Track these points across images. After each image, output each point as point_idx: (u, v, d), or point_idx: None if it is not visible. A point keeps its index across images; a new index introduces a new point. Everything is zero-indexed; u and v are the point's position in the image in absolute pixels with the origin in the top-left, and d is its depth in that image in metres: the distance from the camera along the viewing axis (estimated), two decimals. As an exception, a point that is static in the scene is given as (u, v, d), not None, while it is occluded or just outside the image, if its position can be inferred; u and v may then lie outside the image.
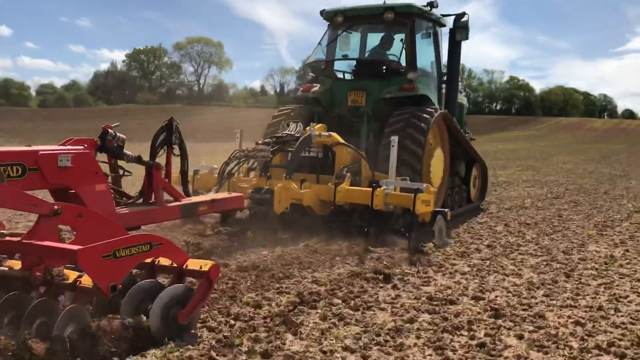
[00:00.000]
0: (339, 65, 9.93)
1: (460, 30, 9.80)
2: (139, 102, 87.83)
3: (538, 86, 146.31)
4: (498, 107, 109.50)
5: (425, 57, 9.61)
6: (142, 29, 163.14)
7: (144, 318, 3.51)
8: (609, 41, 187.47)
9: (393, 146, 7.47)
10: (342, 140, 7.92)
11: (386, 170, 7.54)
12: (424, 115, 8.41)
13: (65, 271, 3.76)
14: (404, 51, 9.10)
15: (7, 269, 3.77)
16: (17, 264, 3.79)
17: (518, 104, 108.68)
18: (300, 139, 7.72)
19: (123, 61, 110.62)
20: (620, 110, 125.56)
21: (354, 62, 9.86)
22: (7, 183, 3.62)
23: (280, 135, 8.09)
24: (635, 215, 10.27)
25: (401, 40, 9.32)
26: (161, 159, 5.50)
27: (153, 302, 3.56)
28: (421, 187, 7.10)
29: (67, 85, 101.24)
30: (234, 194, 6.34)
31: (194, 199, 5.78)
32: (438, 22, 9.80)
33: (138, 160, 5.11)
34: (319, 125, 8.08)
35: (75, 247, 3.24)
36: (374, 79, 9.32)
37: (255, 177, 7.92)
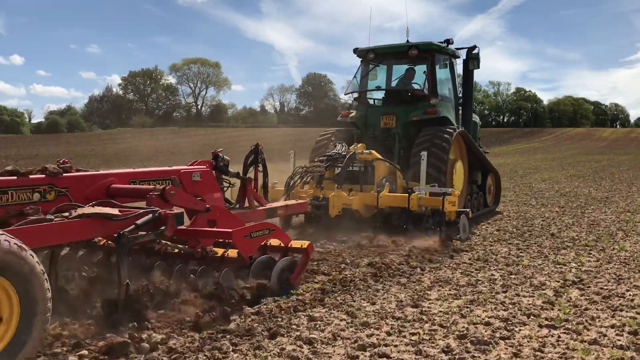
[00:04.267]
0: (370, 94, 11.92)
1: (472, 60, 11.73)
2: (134, 126, 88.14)
3: (548, 98, 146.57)
4: (505, 120, 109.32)
5: (443, 84, 11.43)
6: (152, 54, 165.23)
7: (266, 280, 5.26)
8: (620, 51, 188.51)
9: (423, 160, 9.32)
10: (380, 157, 9.65)
11: (416, 180, 9.45)
12: (445, 135, 10.14)
13: (214, 248, 5.44)
14: (426, 81, 10.98)
15: (174, 249, 5.34)
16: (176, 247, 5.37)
17: (525, 115, 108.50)
18: (347, 156, 9.38)
19: (119, 84, 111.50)
20: (632, 119, 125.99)
21: (384, 91, 11.90)
22: None
23: (330, 154, 9.78)
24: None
25: (424, 72, 11.14)
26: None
27: (272, 270, 5.34)
28: (448, 191, 8.80)
29: (62, 110, 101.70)
30: (300, 201, 7.95)
31: (273, 204, 7.34)
32: (453, 55, 11.73)
33: (237, 175, 6.67)
34: (360, 144, 9.82)
35: (230, 230, 5.10)
36: (401, 105, 11.17)
37: (310, 188, 9.45)
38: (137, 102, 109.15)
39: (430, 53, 11.01)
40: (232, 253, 5.33)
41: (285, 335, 4.32)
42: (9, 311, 3.42)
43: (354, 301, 5.30)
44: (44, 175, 4.69)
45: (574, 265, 7.00)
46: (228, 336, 4.23)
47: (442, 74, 11.42)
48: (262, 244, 5.55)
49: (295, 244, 5.73)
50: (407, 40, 11.69)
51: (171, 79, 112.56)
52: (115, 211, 4.54)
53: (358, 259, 7.20)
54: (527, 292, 5.72)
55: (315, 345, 4.13)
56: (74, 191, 4.84)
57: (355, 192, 9.25)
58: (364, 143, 10.08)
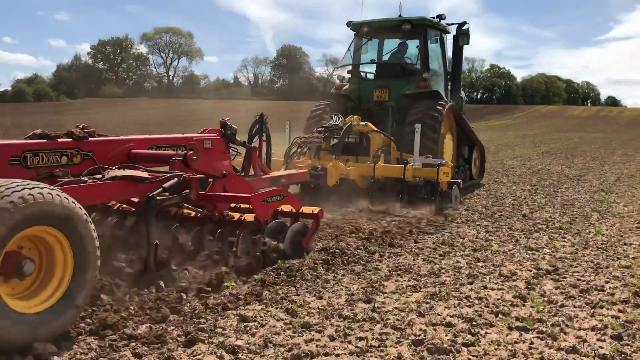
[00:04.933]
0: (364, 67, 12.12)
1: (462, 36, 12.06)
2: (104, 96, 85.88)
3: (522, 75, 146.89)
4: (479, 96, 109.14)
5: (435, 59, 11.61)
6: (123, 23, 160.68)
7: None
8: (593, 30, 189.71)
9: (417, 132, 9.45)
10: (375, 128, 9.93)
11: (409, 151, 9.63)
12: (437, 107, 10.42)
13: (230, 212, 5.60)
14: (419, 55, 11.28)
15: (192, 214, 5.56)
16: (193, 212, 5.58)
17: (499, 92, 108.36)
18: (344, 128, 9.66)
19: (88, 53, 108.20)
20: (603, 98, 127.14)
21: (376, 64, 12.11)
22: None
23: (327, 125, 10.05)
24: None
25: (417, 46, 11.45)
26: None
27: (285, 234, 5.63)
28: (442, 162, 9.07)
29: (29, 79, 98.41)
30: (300, 171, 8.05)
31: (276, 173, 7.37)
32: (444, 30, 12.00)
33: (243, 144, 6.63)
34: (356, 116, 10.01)
35: (249, 195, 5.38)
36: (394, 79, 11.41)
37: (307, 158, 9.64)
38: (107, 72, 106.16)
39: (422, 28, 11.27)
40: (249, 217, 5.58)
41: (206, 342, 3.56)
42: (64, 262, 3.59)
43: (298, 295, 4.59)
44: (70, 139, 4.76)
45: (548, 251, 6.38)
46: (133, 344, 3.49)
47: (433, 48, 11.61)
48: (276, 210, 5.79)
49: (306, 209, 6.02)
50: (400, 15, 11.87)
51: (142, 49, 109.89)
52: (144, 174, 4.75)
53: (345, 233, 7.09)
54: (495, 283, 5.07)
55: (240, 355, 3.40)
56: (98, 155, 4.94)
57: (352, 163, 9.52)
58: (358, 115, 10.28)
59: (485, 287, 4.94)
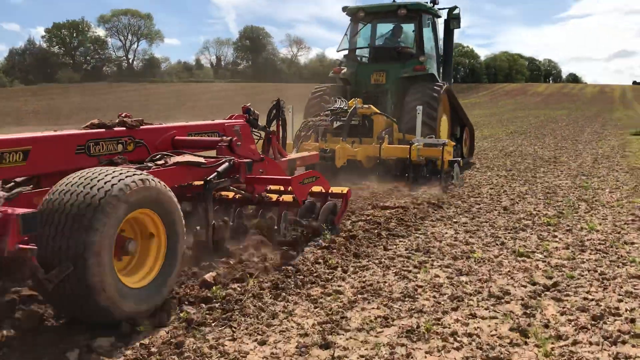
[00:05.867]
0: (359, 51, 12.46)
1: (452, 20, 12.49)
2: (61, 81, 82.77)
3: (485, 54, 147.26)
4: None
5: (428, 42, 12.05)
6: (78, 5, 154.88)
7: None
8: (553, 8, 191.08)
9: (419, 113, 9.85)
10: (378, 111, 10.39)
11: (410, 132, 10.19)
12: (435, 89, 10.95)
13: (268, 194, 5.88)
14: (414, 39, 11.81)
15: (229, 196, 5.84)
16: (230, 193, 5.83)
17: (463, 71, 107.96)
18: (350, 111, 9.94)
19: (42, 37, 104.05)
20: (564, 74, 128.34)
21: (372, 48, 12.39)
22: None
23: (333, 108, 10.20)
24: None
25: (413, 30, 11.97)
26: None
27: (315, 213, 5.97)
28: (446, 142, 9.48)
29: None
30: (313, 153, 8.03)
31: (292, 156, 7.40)
32: (436, 14, 12.44)
33: (264, 129, 6.66)
34: (359, 99, 10.41)
35: (290, 177, 5.66)
36: (391, 62, 11.80)
37: (312, 141, 9.83)
38: (63, 56, 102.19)
39: (418, 13, 11.73)
40: (287, 198, 5.83)
41: None
42: (158, 242, 3.88)
43: (234, 340, 3.48)
44: (124, 128, 4.91)
45: (540, 256, 5.41)
46: None
47: (427, 32, 12.00)
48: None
49: (336, 189, 6.25)
50: (394, 0, 12.23)
51: (100, 32, 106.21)
52: (201, 159, 5.03)
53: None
54: (485, 308, 4.06)
55: None
56: (148, 143, 5.09)
57: (358, 145, 9.89)
58: (358, 98, 10.58)
59: (473, 316, 3.92)
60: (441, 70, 12.63)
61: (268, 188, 6.01)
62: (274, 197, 5.89)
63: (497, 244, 5.84)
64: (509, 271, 4.93)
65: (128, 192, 3.49)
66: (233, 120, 6.28)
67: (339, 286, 4.51)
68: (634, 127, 25.83)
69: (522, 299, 4.25)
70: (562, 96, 68.07)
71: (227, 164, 5.13)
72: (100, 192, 3.38)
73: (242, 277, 4.53)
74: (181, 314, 3.78)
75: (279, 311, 3.97)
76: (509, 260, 5.28)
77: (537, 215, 7.21)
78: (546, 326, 3.74)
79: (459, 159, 10.32)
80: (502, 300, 4.22)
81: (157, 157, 4.89)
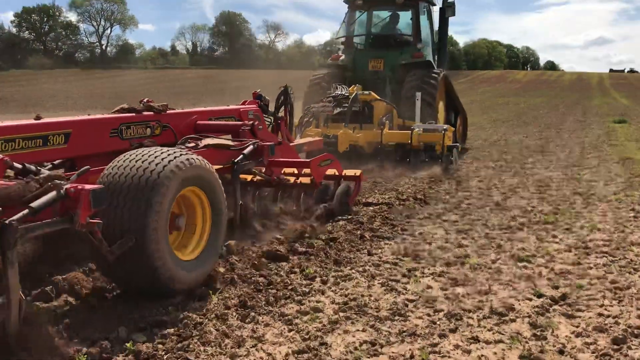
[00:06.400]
0: (357, 38, 12.81)
1: (448, 8, 12.46)
2: (32, 67, 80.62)
3: (464, 40, 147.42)
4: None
5: (425, 30, 12.31)
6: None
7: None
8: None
9: (418, 100, 10.33)
10: (378, 97, 10.60)
11: (409, 118, 10.58)
12: (433, 76, 11.28)
13: (286, 177, 6.01)
14: (411, 27, 12.09)
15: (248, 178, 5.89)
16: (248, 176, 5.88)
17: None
18: (352, 97, 10.04)
19: (12, 22, 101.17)
20: (542, 62, 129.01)
21: (369, 36, 12.72)
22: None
23: (335, 95, 10.22)
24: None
25: (410, 18, 12.18)
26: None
27: (328, 195, 6.27)
28: (446, 128, 9.73)
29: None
30: (317, 138, 8.08)
31: (299, 141, 7.47)
32: (432, 2, 12.76)
33: (273, 114, 6.74)
34: (359, 86, 10.57)
35: (309, 160, 5.91)
36: (389, 49, 12.16)
37: (314, 127, 9.99)
38: (34, 42, 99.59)
39: (415, 0, 11.91)
40: (304, 180, 5.97)
41: None
42: (202, 218, 4.10)
43: (189, 380, 2.88)
44: (152, 113, 5.07)
45: (542, 261, 4.85)
46: None
47: (423, 20, 12.20)
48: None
49: (349, 172, 6.47)
50: None
51: (71, 17, 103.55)
52: (229, 142, 5.22)
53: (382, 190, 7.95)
54: (489, 329, 3.47)
55: None
56: (174, 127, 5.25)
57: (359, 130, 10.04)
58: (357, 85, 10.72)
59: (476, 340, 3.33)
60: (436, 58, 12.80)
61: (283, 171, 6.06)
62: (292, 179, 6.01)
63: (493, 247, 5.27)
64: (509, 280, 4.36)
65: (181, 171, 3.69)
66: (247, 106, 6.49)
67: (318, 302, 3.89)
68: (615, 114, 25.65)
69: (529, 316, 3.67)
70: (541, 83, 68.12)
71: (252, 146, 5.26)
72: (158, 169, 3.58)
73: (203, 293, 3.89)
74: (127, 344, 3.13)
75: (247, 336, 3.34)
76: (508, 266, 4.72)
77: (532, 212, 6.66)
78: (561, 352, 3.17)
79: (458, 144, 10.55)
80: (507, 318, 3.64)
81: (186, 140, 5.10)
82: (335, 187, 6.35)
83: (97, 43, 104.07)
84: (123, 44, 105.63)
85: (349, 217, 6.19)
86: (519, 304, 3.88)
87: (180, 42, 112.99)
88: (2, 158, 3.42)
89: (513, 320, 3.62)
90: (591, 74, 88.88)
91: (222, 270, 4.27)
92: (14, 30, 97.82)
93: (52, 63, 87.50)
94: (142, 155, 3.69)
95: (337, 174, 6.35)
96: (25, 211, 2.90)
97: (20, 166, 3.50)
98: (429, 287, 4.21)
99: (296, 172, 6.07)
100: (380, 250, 5.14)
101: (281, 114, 7.08)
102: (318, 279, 4.33)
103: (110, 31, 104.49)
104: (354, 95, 10.12)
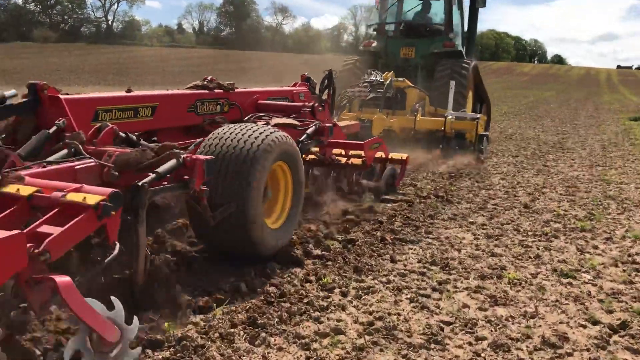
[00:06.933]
0: (388, 25, 12.85)
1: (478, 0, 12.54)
2: (36, 40, 79.76)
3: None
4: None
5: (456, 20, 12.43)
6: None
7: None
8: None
9: (452, 88, 10.26)
10: (411, 84, 10.71)
11: (440, 106, 10.63)
12: (464, 65, 11.42)
13: (336, 157, 6.07)
14: (443, 16, 12.22)
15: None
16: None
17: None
18: (387, 84, 10.11)
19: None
20: (549, 55, 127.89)
21: (402, 24, 12.74)
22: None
23: (370, 80, 10.30)
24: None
25: (444, 7, 12.24)
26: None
27: (375, 176, 6.65)
28: (478, 117, 9.85)
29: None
30: (355, 122, 8.04)
31: (339, 124, 6.95)
32: None
33: (319, 97, 7.01)
34: (391, 72, 10.61)
35: (363, 142, 5.96)
36: (421, 38, 12.29)
37: (346, 111, 10.11)
38: (40, 14, 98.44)
39: None
40: (356, 161, 6.07)
41: None
42: (285, 190, 4.38)
43: None
44: (221, 90, 5.34)
45: (588, 277, 4.29)
46: None
47: (454, 10, 12.28)
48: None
49: (395, 156, 6.76)
50: None
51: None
52: (295, 121, 5.38)
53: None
54: (544, 366, 2.93)
55: None
56: (239, 104, 5.50)
57: (392, 116, 10.07)
58: (388, 72, 10.76)
59: (531, 381, 2.78)
60: (464, 48, 12.75)
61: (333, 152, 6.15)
62: (343, 160, 6.15)
63: (530, 257, 4.70)
64: (556, 301, 3.80)
65: (274, 145, 3.98)
66: (299, 88, 6.72)
67: (339, 320, 3.34)
68: (627, 111, 25.07)
69: (588, 349, 3.12)
70: (549, 77, 67.44)
71: (314, 127, 5.36)
72: (257, 142, 3.88)
73: (208, 304, 3.35)
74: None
75: (258, 355, 2.79)
76: (552, 282, 4.16)
77: (565, 217, 6.09)
78: (637, 402, 2.62)
79: (487, 133, 10.76)
80: (562, 352, 3.09)
81: (254, 118, 5.26)
82: (381, 168, 6.66)
83: (104, 18, 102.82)
84: (129, 20, 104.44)
85: (367, 217, 5.63)
86: (573, 333, 3.33)
87: (187, 21, 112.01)
88: (112, 127, 3.79)
89: (570, 354, 3.07)
90: (599, 69, 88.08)
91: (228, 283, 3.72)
92: (19, 1, 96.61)
93: (57, 37, 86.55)
94: (241, 130, 4.00)
95: (383, 156, 6.58)
96: (152, 175, 3.20)
97: (124, 135, 3.84)
98: (465, 305, 3.66)
99: (343, 153, 6.14)
100: (404, 257, 4.58)
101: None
102: (337, 291, 3.78)
103: (117, 6, 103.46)
104: (388, 81, 10.22)
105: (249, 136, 3.92)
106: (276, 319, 3.25)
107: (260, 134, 3.96)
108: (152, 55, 66.79)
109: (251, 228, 3.80)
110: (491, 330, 3.30)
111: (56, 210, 2.59)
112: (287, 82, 7.42)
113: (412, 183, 7.54)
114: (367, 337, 3.13)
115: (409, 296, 3.76)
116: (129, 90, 4.58)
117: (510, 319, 3.47)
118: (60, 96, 3.89)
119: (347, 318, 3.38)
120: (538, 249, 4.94)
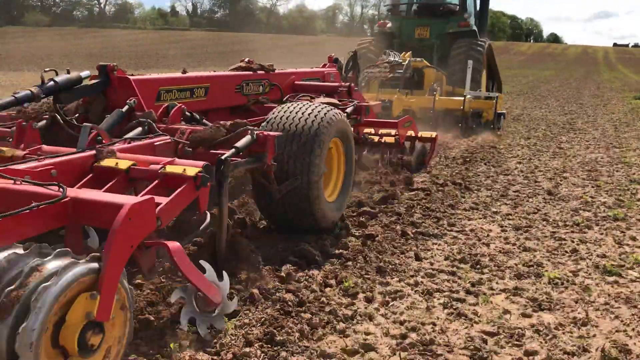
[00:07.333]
0: (403, 6, 13.11)
1: None
2: (27, 24, 78.59)
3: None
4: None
5: (469, 0, 12.60)
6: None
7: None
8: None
9: (469, 68, 10.15)
10: (429, 64, 10.84)
11: (457, 85, 10.73)
12: (480, 44, 11.59)
13: (369, 136, 6.48)
14: None
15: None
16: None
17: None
18: (406, 64, 10.29)
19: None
20: (545, 34, 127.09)
21: (416, 3, 12.97)
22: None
23: (389, 61, 10.52)
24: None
25: None
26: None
27: (405, 154, 6.84)
28: (497, 95, 10.18)
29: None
30: (377, 102, 7.34)
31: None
32: None
33: (345, 78, 7.06)
34: (409, 53, 10.93)
35: (396, 121, 6.22)
36: (436, 18, 12.45)
37: (366, 91, 9.88)
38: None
39: None
40: (389, 139, 6.51)
41: None
42: (338, 166, 4.54)
43: None
44: (263, 72, 5.48)
45: (634, 274, 3.89)
46: None
47: None
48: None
49: (425, 134, 6.94)
50: None
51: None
52: (335, 101, 5.33)
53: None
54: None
55: None
56: (279, 85, 5.61)
57: (411, 96, 10.08)
58: (404, 52, 11.11)
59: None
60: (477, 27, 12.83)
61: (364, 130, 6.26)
62: (376, 138, 6.48)
63: (566, 252, 4.30)
64: (605, 303, 3.40)
65: (333, 123, 4.15)
66: (329, 69, 6.78)
67: (367, 333, 2.93)
68: (630, 90, 24.64)
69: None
70: (546, 56, 66.74)
71: (353, 106, 5.37)
72: (318, 119, 4.05)
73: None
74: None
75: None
76: (596, 280, 3.76)
77: (593, 204, 5.68)
78: None
79: (504, 111, 10.88)
80: (626, 368, 2.69)
81: (295, 98, 5.29)
82: (411, 146, 6.91)
83: (96, 1, 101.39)
84: (122, 3, 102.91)
85: (383, 207, 5.20)
86: (634, 344, 2.93)
87: (180, 3, 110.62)
88: (180, 105, 4.03)
89: (635, 371, 2.67)
90: (596, 47, 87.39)
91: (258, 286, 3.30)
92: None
93: (49, 20, 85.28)
94: (301, 108, 4.14)
95: (413, 134, 6.73)
96: (233, 150, 3.37)
97: (189, 114, 4.06)
98: (506, 311, 3.25)
99: (373, 131, 6.44)
100: (429, 253, 4.17)
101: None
102: (361, 296, 3.36)
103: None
104: (407, 62, 10.33)
105: (309, 114, 4.06)
106: (297, 334, 2.83)
107: (319, 111, 4.11)
108: (144, 38, 65.84)
109: (314, 200, 3.98)
110: (541, 343, 2.90)
111: (157, 181, 2.79)
112: (290, 65, 7.02)
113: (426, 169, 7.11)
114: (402, 355, 2.73)
115: (441, 301, 3.35)
116: (184, 72, 4.82)
117: (560, 327, 3.07)
118: (129, 77, 4.11)
119: (376, 330, 2.98)
120: (573, 241, 4.53)
